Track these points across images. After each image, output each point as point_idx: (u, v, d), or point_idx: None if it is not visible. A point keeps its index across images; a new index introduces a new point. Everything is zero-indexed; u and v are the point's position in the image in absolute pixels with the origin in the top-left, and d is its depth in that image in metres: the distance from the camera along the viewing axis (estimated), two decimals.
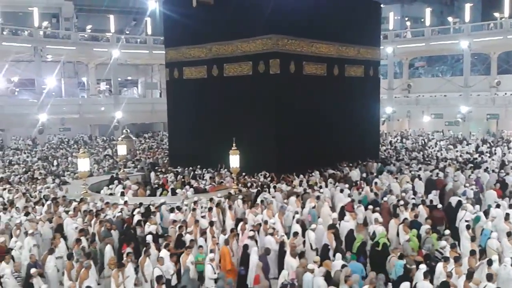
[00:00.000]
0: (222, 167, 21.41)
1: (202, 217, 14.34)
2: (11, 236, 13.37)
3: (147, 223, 13.69)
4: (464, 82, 39.13)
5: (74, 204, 16.05)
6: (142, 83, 53.94)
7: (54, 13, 47.58)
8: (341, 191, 17.26)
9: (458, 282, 9.51)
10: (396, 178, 19.50)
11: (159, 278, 9.97)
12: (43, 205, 16.28)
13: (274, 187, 17.72)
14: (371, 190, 17.48)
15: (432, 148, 31.20)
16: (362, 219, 14.66)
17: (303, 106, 21.40)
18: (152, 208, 15.23)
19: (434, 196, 16.51)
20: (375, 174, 21.04)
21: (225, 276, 10.42)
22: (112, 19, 41.85)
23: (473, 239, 12.09)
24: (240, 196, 16.48)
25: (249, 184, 18.68)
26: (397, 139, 37.44)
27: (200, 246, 11.82)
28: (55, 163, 28.37)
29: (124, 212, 15.01)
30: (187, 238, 12.61)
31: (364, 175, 20.75)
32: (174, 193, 18.19)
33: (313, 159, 21.44)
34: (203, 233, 12.91)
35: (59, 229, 13.70)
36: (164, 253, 11.27)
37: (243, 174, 19.78)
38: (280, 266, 11.53)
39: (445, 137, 38.86)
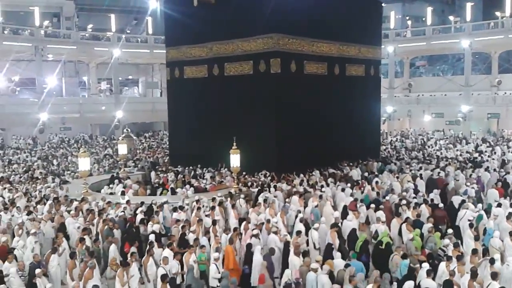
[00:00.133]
0: (222, 166, 21.40)
1: (206, 216, 14.37)
2: (13, 236, 13.38)
3: (150, 222, 13.71)
4: (465, 81, 39.11)
5: (75, 203, 16.08)
6: (143, 83, 53.95)
7: (55, 12, 47.59)
8: (343, 190, 17.27)
9: (461, 281, 9.51)
10: (397, 177, 19.50)
11: (163, 277, 9.95)
12: (44, 204, 16.29)
13: (275, 186, 17.72)
14: (373, 189, 17.49)
15: (432, 147, 31.19)
16: (364, 218, 14.68)
17: (304, 105, 21.38)
18: (155, 208, 15.25)
19: (435, 195, 16.49)
20: (376, 173, 21.03)
21: (229, 275, 10.43)
22: (113, 18, 41.89)
23: (476, 238, 12.11)
24: (242, 195, 16.48)
25: (249, 184, 18.69)
26: (397, 139, 37.41)
27: (203, 246, 11.81)
28: (55, 162, 28.37)
29: (126, 211, 15.01)
30: (190, 237, 12.63)
31: (366, 174, 20.73)
32: (173, 192, 18.21)
33: (314, 158, 21.43)
34: (206, 232, 12.92)
35: (61, 228, 13.69)
36: (168, 252, 11.25)
37: (244, 173, 19.78)
38: (284, 265, 11.53)
39: (445, 136, 38.83)
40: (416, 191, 17.52)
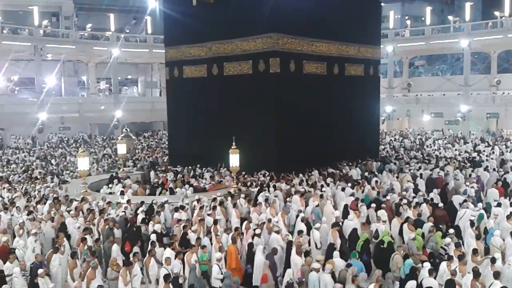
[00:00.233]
0: (222, 166, 21.39)
1: (208, 215, 14.40)
2: (13, 236, 13.37)
3: (151, 222, 13.72)
4: (464, 81, 39.13)
5: (75, 203, 16.08)
6: (142, 82, 53.92)
7: (54, 11, 47.54)
8: (343, 189, 17.29)
9: (462, 281, 9.52)
10: (397, 177, 19.52)
11: (166, 277, 9.94)
12: (44, 204, 16.28)
13: (274, 186, 17.73)
14: (373, 189, 17.52)
15: (430, 147, 31.22)
16: (365, 218, 14.66)
17: (303, 105, 21.37)
18: (155, 207, 15.27)
19: (435, 195, 16.53)
20: (376, 172, 21.05)
21: (231, 275, 10.43)
22: (112, 17, 41.85)
23: (477, 237, 12.13)
24: (243, 195, 16.49)
25: (248, 183, 18.69)
26: (395, 138, 37.40)
27: (204, 246, 11.79)
28: (53, 162, 28.33)
29: (127, 211, 15.02)
30: (191, 236, 12.63)
31: (366, 174, 20.73)
32: (172, 192, 18.22)
33: (313, 158, 21.44)
34: (208, 232, 12.87)
35: (62, 228, 13.67)
36: (170, 252, 11.24)
37: (243, 173, 19.78)
38: (286, 265, 11.54)
39: (444, 136, 38.86)
40: (416, 190, 17.56)
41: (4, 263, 11.00)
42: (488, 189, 17.56)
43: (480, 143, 32.11)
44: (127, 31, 50.69)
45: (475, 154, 26.11)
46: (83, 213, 15.02)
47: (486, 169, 20.74)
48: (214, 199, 15.82)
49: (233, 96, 21.80)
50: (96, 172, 24.55)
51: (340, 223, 13.50)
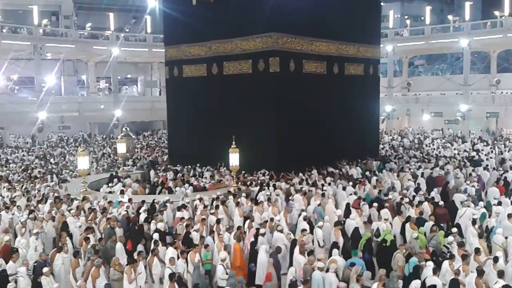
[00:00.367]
0: (221, 165, 21.40)
1: (211, 214, 14.43)
2: (15, 235, 13.37)
3: (153, 221, 13.74)
4: (464, 81, 39.13)
5: (76, 202, 16.10)
6: (142, 81, 53.90)
7: (53, 11, 47.48)
8: (344, 188, 17.33)
9: (466, 280, 9.54)
10: (398, 176, 19.55)
11: (171, 276, 9.92)
12: (45, 203, 16.29)
13: (274, 185, 17.74)
14: (375, 188, 17.55)
15: (428, 146, 31.27)
16: (367, 217, 14.68)
17: (303, 104, 21.37)
18: (157, 206, 15.31)
19: (435, 193, 16.58)
20: (376, 171, 21.07)
21: (235, 274, 10.44)
22: (111, 17, 41.79)
23: (480, 235, 12.14)
24: (244, 194, 16.50)
25: (248, 183, 18.70)
26: (393, 138, 37.40)
27: (207, 245, 11.80)
28: (52, 161, 28.31)
29: (129, 210, 15.04)
30: (194, 236, 12.66)
31: (367, 173, 20.74)
32: (170, 191, 18.22)
33: (313, 157, 21.44)
34: (211, 231, 12.91)
35: (64, 227, 13.67)
36: (172, 251, 11.24)
37: (243, 172, 19.78)
38: (291, 263, 11.54)
39: (443, 135, 38.88)
40: (417, 189, 17.63)
41: (7, 262, 10.98)
42: (489, 188, 17.60)
43: (478, 142, 32.14)
44: (127, 30, 50.68)
45: (474, 153, 26.14)
46: (84, 212, 15.03)
47: (486, 168, 20.79)
48: (217, 198, 15.86)
49: (233, 96, 21.79)
50: (96, 171, 24.54)
51: (342, 222, 13.53)
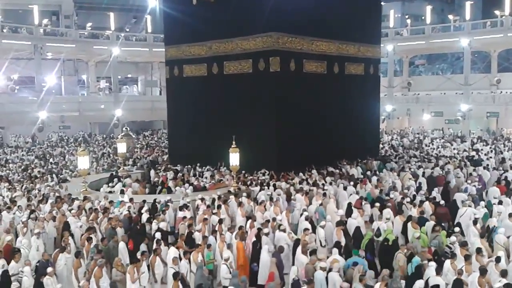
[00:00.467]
0: (221, 165, 21.40)
1: (214, 213, 14.44)
2: (16, 235, 13.37)
3: (155, 221, 13.75)
4: (464, 80, 39.10)
5: (77, 202, 16.10)
6: (142, 81, 53.90)
7: (54, 10, 47.48)
8: (345, 188, 17.33)
9: (468, 280, 9.54)
10: (398, 175, 19.55)
11: (175, 275, 9.91)
12: (46, 203, 16.30)
13: (274, 185, 17.73)
14: (376, 187, 17.56)
15: (428, 146, 31.28)
16: (369, 216, 14.69)
17: (303, 104, 21.37)
18: (158, 206, 15.32)
19: (436, 193, 16.59)
20: (376, 171, 21.07)
21: (238, 274, 10.44)
22: (112, 16, 41.81)
23: (482, 235, 12.14)
24: (245, 194, 16.51)
25: (248, 182, 18.70)
26: (392, 137, 37.38)
27: (209, 245, 11.80)
28: (51, 161, 28.29)
29: (131, 210, 15.04)
30: (196, 236, 12.67)
31: (368, 173, 20.74)
32: (170, 191, 18.21)
33: (313, 157, 21.42)
34: (213, 231, 12.92)
35: (66, 227, 13.66)
36: (175, 251, 11.24)
37: (243, 172, 19.78)
38: (293, 263, 11.54)
39: (443, 134, 38.87)
40: (419, 188, 17.66)
41: (9, 262, 10.97)
42: (489, 188, 17.60)
43: (478, 142, 32.16)
44: (127, 30, 50.63)
45: (473, 153, 26.15)
46: (86, 212, 15.02)
47: (486, 168, 20.79)
48: (219, 198, 15.88)
49: (233, 95, 21.79)
50: (96, 171, 24.53)
51: (344, 222, 13.53)
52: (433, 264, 9.90)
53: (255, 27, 20.98)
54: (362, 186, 17.86)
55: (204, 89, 23.18)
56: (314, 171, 20.43)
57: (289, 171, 20.06)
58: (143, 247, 12.04)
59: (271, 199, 15.72)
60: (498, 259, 10.07)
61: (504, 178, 18.66)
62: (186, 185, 18.63)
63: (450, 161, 22.96)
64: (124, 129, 29.53)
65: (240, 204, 15.29)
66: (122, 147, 23.66)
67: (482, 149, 27.74)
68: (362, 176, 19.99)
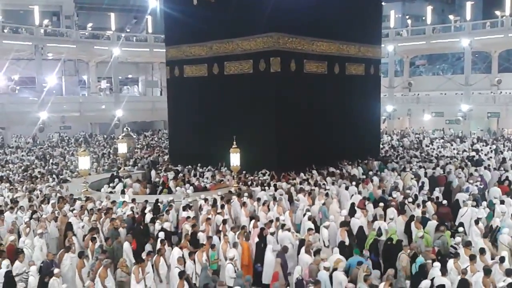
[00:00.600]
0: (222, 165, 21.41)
1: (218, 213, 14.45)
2: (18, 235, 13.37)
3: (158, 221, 13.77)
4: (465, 81, 39.09)
5: (79, 202, 16.11)
6: (143, 81, 53.92)
7: (54, 11, 47.50)
8: (346, 188, 17.33)
9: (472, 279, 9.56)
10: (400, 175, 19.55)
11: (181, 274, 9.91)
12: (48, 203, 16.31)
13: (275, 185, 17.73)
14: (379, 187, 17.57)
15: (427, 146, 31.26)
16: (372, 216, 14.72)
17: (304, 104, 21.38)
18: (161, 206, 15.34)
19: (438, 193, 16.62)
20: (377, 172, 21.06)
21: (243, 274, 10.45)
22: (112, 17, 41.84)
23: (485, 235, 12.14)
24: (246, 194, 16.52)
25: (249, 182, 18.70)
26: (391, 138, 37.36)
27: (213, 245, 11.81)
28: (51, 161, 28.27)
29: (134, 210, 15.05)
30: (200, 236, 12.68)
31: (370, 173, 20.75)
32: (170, 191, 18.21)
33: (313, 157, 21.42)
34: (217, 231, 12.92)
35: (69, 227, 13.66)
36: (178, 251, 11.25)
37: (244, 172, 19.78)
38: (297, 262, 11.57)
39: (443, 134, 38.86)
40: (420, 188, 17.71)
41: (12, 262, 10.97)
42: (491, 188, 17.61)
43: (477, 142, 32.15)
44: (128, 30, 50.65)
45: (473, 153, 26.15)
46: (89, 212, 15.03)
47: (487, 168, 20.80)
48: (222, 198, 15.90)
49: (234, 96, 21.79)
50: (96, 172, 24.50)
51: (348, 222, 13.52)
52: (437, 265, 9.90)
53: (256, 27, 20.99)
54: (364, 186, 17.86)
55: (204, 89, 23.18)
56: (314, 171, 20.44)
57: (289, 171, 20.06)
58: (148, 247, 12.06)
59: (274, 199, 15.72)
60: (502, 259, 10.08)
61: (505, 178, 18.66)
62: (187, 185, 18.63)
63: (451, 161, 22.97)
64: (124, 129, 29.52)
65: (244, 204, 15.30)
66: (122, 148, 23.66)
67: (481, 149, 27.74)
68: (364, 177, 19.98)
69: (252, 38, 21.38)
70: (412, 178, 18.99)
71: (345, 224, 12.99)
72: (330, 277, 9.98)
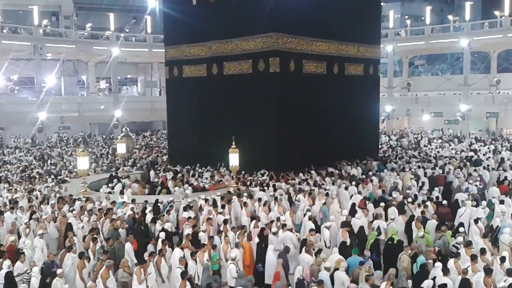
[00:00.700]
0: (221, 165, 21.40)
1: (219, 213, 14.44)
2: (18, 236, 13.35)
3: (159, 221, 13.77)
4: (464, 81, 39.10)
5: (78, 203, 16.08)
6: (142, 81, 53.91)
7: (53, 11, 47.46)
8: (346, 188, 17.33)
9: (473, 279, 9.56)
10: (399, 175, 19.56)
11: (183, 274, 9.91)
12: (47, 204, 16.28)
13: (274, 185, 17.73)
14: (379, 187, 17.55)
15: (426, 146, 31.25)
16: (372, 216, 14.75)
17: (303, 104, 21.35)
18: (161, 206, 15.33)
19: (438, 193, 16.64)
20: (377, 172, 21.07)
21: (244, 274, 10.44)
22: (112, 17, 41.78)
23: (485, 235, 12.15)
24: (245, 194, 16.51)
25: (248, 183, 18.69)
26: (390, 138, 37.38)
27: (215, 245, 11.79)
28: (49, 161, 28.24)
29: (134, 210, 15.04)
30: (201, 236, 12.68)
31: (370, 173, 20.76)
32: (169, 191, 18.20)
33: (313, 157, 21.42)
34: (218, 231, 12.91)
35: (69, 228, 13.65)
36: (179, 252, 11.25)
37: (243, 172, 19.77)
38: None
39: (442, 134, 38.88)
40: (420, 188, 17.72)
41: (13, 263, 10.95)
42: (490, 188, 17.62)
43: (475, 142, 32.17)
44: (127, 30, 50.66)
45: (472, 153, 26.17)
46: (88, 213, 15.02)
47: (485, 168, 20.82)
48: (222, 198, 15.90)
49: (233, 96, 21.78)
50: (95, 172, 24.46)
51: (349, 222, 13.53)
52: (439, 265, 9.91)
53: (255, 27, 20.98)
54: (364, 186, 17.86)
55: (203, 89, 23.17)
56: (313, 172, 20.43)
57: (288, 171, 20.07)
58: (150, 247, 12.05)
59: (275, 199, 15.72)
60: (503, 259, 10.08)
61: (505, 178, 18.69)
62: (186, 185, 18.62)
63: (450, 161, 22.99)
64: (123, 129, 29.55)
65: (244, 204, 15.31)
66: (121, 148, 23.65)
67: (480, 149, 27.76)
68: (363, 177, 19.98)
69: (251, 38, 21.37)
70: (411, 178, 19.01)
71: (346, 224, 13.00)
72: (331, 277, 9.98)
